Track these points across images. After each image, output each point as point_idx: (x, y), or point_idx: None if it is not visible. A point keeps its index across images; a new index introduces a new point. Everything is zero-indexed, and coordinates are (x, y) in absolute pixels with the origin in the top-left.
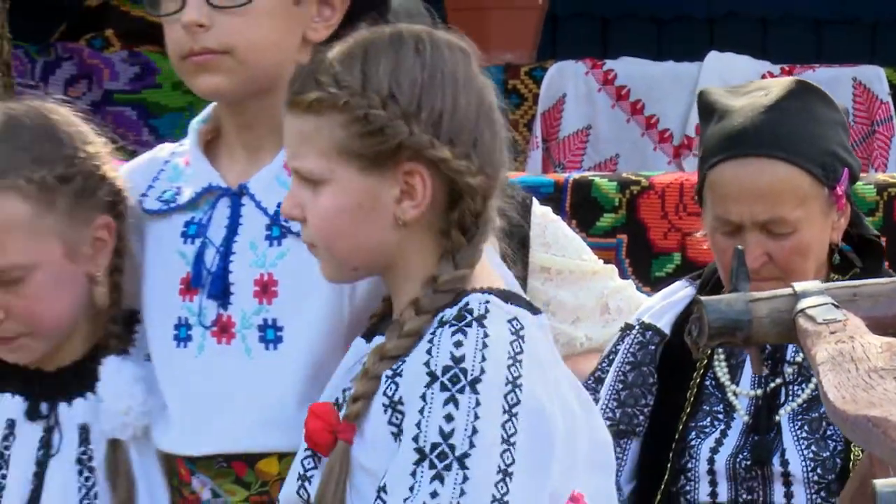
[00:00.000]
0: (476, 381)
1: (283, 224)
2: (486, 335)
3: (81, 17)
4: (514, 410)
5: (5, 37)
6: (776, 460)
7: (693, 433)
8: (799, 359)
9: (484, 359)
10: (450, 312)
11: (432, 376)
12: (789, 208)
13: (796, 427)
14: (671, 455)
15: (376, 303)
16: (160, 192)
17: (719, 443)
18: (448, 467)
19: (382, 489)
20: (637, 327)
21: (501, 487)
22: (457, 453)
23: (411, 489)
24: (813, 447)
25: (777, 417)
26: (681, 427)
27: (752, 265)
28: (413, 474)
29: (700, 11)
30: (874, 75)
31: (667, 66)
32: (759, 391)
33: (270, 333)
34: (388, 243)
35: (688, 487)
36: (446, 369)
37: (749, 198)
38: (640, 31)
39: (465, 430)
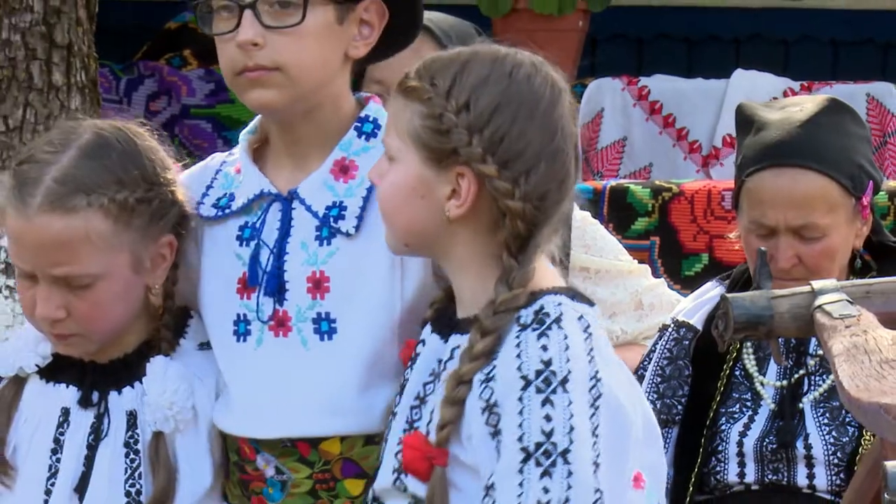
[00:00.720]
0: (565, 380)
1: (333, 225)
2: (566, 336)
3: (162, 38)
4: (596, 404)
5: (92, 56)
6: (800, 444)
7: (724, 418)
8: (821, 352)
9: (568, 359)
10: (526, 314)
11: (526, 380)
12: (820, 215)
13: (819, 414)
14: (703, 439)
15: (426, 294)
16: (215, 199)
17: (747, 427)
18: (554, 464)
19: (490, 487)
20: (672, 325)
21: (597, 477)
22: (559, 450)
23: (520, 485)
24: (834, 432)
25: (800, 405)
26: (712, 413)
27: (783, 266)
28: (520, 472)
29: (727, 33)
30: (886, 91)
31: (696, 83)
32: (784, 381)
33: (325, 325)
34: (434, 233)
35: (718, 468)
36: (538, 373)
37: (784, 204)
38: (671, 50)
39: (564, 427)
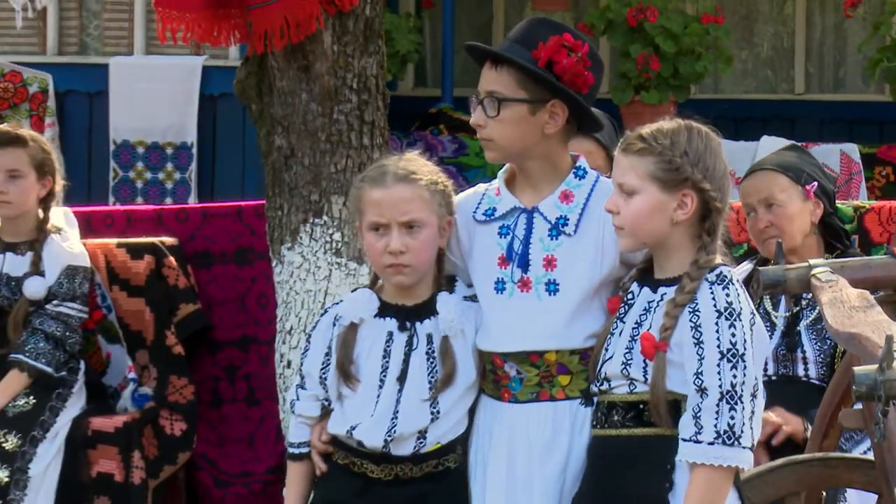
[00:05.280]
0: (740, 314)
1: (561, 229)
2: (737, 290)
3: (427, 117)
4: (752, 329)
5: (386, 128)
6: (798, 351)
7: None
8: (809, 296)
9: (740, 302)
10: (711, 276)
11: (718, 312)
12: (776, 193)
13: (809, 333)
14: None
15: (614, 272)
16: (483, 211)
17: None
18: (738, 361)
19: (698, 374)
20: None
21: (756, 371)
22: (740, 353)
23: (719, 373)
24: (818, 344)
25: (798, 328)
26: None
27: (760, 227)
28: (718, 365)
29: (757, 114)
30: (851, 148)
31: (739, 144)
32: (788, 314)
33: (552, 287)
34: (664, 233)
35: None
36: (725, 308)
37: (756, 191)
38: (725, 124)
39: (743, 340)
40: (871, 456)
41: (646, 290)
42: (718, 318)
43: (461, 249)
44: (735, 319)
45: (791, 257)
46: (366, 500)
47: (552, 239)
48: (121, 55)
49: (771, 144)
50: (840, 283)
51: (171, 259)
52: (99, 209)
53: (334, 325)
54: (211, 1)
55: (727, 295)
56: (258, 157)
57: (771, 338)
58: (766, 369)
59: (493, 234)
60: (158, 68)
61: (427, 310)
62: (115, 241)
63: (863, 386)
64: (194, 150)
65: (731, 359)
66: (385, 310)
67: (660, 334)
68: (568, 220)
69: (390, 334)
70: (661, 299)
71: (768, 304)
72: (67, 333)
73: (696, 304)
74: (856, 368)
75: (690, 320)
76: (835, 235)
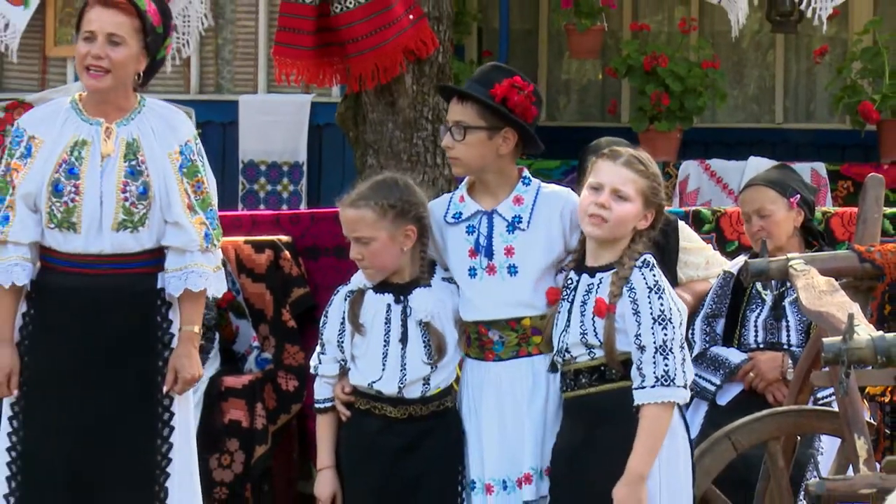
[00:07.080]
0: (665, 289)
1: (517, 225)
2: (659, 271)
3: None
4: (675, 301)
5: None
6: (783, 321)
7: (748, 311)
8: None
9: (663, 280)
10: (639, 262)
11: (649, 289)
12: (767, 204)
13: (794, 307)
14: (738, 321)
15: (559, 258)
16: (451, 215)
17: (758, 315)
18: (667, 324)
19: (637, 336)
20: (723, 272)
21: (682, 331)
22: (668, 317)
23: (653, 333)
24: (800, 315)
25: (784, 304)
26: (742, 311)
27: (754, 230)
28: (651, 328)
29: (745, 140)
30: (820, 166)
31: (731, 163)
32: (776, 292)
33: (513, 270)
34: (627, 234)
35: (745, 334)
36: (654, 285)
37: (751, 201)
38: (719, 148)
39: (668, 308)
40: (835, 408)
41: (584, 276)
42: (649, 292)
43: (436, 246)
44: (661, 293)
45: (777, 253)
46: (385, 435)
47: (510, 233)
48: (248, 93)
49: (756, 163)
50: (811, 272)
51: (287, 253)
52: (230, 214)
53: (345, 300)
54: (317, 51)
55: (654, 276)
56: (354, 173)
57: (760, 312)
58: (756, 336)
59: (462, 232)
60: (277, 103)
61: (413, 286)
62: (242, 239)
63: (830, 353)
64: (304, 168)
65: (661, 322)
66: (383, 286)
67: (609, 300)
68: (522, 218)
69: (388, 306)
70: (601, 282)
71: (760, 287)
72: (204, 311)
73: (632, 283)
74: (824, 339)
75: (629, 296)
76: (813, 236)
